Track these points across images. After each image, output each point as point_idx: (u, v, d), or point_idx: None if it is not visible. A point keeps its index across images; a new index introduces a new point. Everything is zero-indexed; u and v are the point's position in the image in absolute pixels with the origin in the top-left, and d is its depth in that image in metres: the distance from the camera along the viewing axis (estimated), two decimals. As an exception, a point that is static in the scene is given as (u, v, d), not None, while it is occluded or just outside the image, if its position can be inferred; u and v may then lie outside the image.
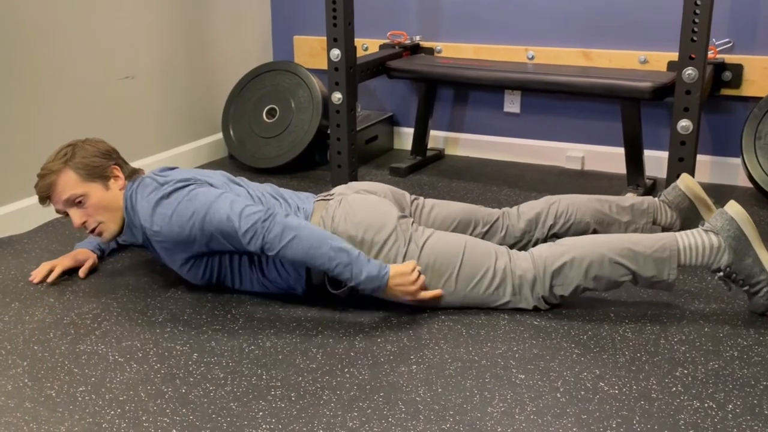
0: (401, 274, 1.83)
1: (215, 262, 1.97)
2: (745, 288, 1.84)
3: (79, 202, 1.97)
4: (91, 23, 2.71)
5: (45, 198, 1.99)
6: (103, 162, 2.01)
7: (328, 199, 2.00)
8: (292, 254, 1.79)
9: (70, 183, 1.97)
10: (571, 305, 1.93)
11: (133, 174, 2.06)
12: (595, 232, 2.11)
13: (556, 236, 2.11)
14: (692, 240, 1.83)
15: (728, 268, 1.82)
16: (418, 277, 1.84)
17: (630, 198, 2.16)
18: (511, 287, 1.87)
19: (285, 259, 1.82)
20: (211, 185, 1.95)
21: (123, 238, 2.07)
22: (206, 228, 1.85)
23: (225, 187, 1.97)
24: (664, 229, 2.15)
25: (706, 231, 1.84)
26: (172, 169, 2.07)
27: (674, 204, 2.14)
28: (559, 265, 1.84)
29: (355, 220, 1.91)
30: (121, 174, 2.03)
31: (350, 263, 1.79)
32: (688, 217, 2.14)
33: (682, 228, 2.15)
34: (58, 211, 2.02)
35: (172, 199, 1.90)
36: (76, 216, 1.98)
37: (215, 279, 2.00)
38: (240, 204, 1.84)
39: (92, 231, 2.00)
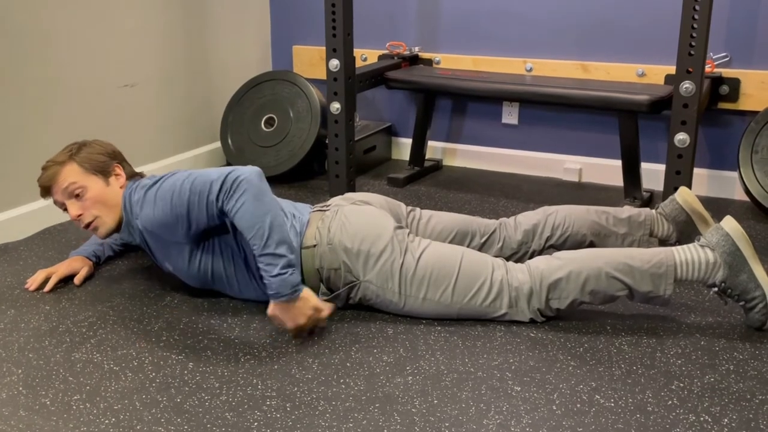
0: (308, 298, 1.79)
1: (209, 258, 1.95)
2: (741, 303, 1.85)
3: (78, 194, 1.99)
4: (92, 31, 2.72)
5: (46, 189, 2.02)
6: (106, 159, 2.05)
7: (324, 210, 2.00)
8: (244, 210, 1.76)
9: (71, 173, 2.00)
10: (567, 317, 1.93)
11: (134, 175, 2.08)
12: (591, 243, 2.12)
13: (553, 248, 2.11)
14: (688, 255, 1.84)
15: (723, 284, 1.82)
16: (312, 319, 1.81)
17: (627, 210, 2.16)
18: (507, 299, 1.87)
19: (237, 212, 1.77)
20: None
21: (121, 236, 2.08)
22: (183, 192, 1.84)
23: None
24: (661, 242, 2.16)
25: (702, 246, 1.85)
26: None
27: (671, 217, 2.14)
28: (555, 278, 1.84)
29: (351, 231, 1.90)
30: (122, 173, 2.06)
31: (285, 258, 1.76)
32: (685, 230, 2.14)
33: (679, 241, 2.16)
34: (56, 203, 2.04)
35: (160, 182, 1.93)
36: (73, 208, 2.00)
37: (210, 278, 1.98)
38: (225, 167, 1.86)
39: (87, 226, 2.02)
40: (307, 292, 1.80)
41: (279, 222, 1.79)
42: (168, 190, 1.88)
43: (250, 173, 1.80)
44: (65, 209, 2.03)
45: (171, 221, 1.88)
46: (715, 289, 1.84)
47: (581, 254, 1.88)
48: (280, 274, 1.76)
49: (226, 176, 1.80)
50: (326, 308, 1.84)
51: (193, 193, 1.83)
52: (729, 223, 1.85)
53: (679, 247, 1.87)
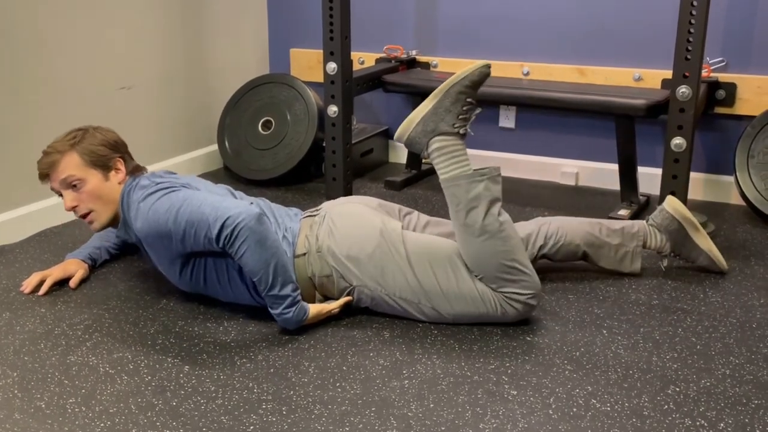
0: (317, 316, 1.89)
1: (202, 268, 1.94)
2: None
3: (75, 185, 1.98)
4: (90, 33, 2.71)
5: (45, 175, 2.01)
6: (108, 152, 2.02)
7: (314, 215, 2.00)
8: (247, 256, 1.77)
9: (71, 165, 1.98)
10: (564, 322, 1.93)
11: (136, 170, 2.06)
12: (585, 254, 2.12)
13: (546, 257, 2.12)
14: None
15: None
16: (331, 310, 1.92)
17: (620, 221, 2.16)
18: (497, 299, 1.86)
19: (240, 258, 1.79)
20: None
21: (118, 234, 2.08)
22: (179, 219, 1.82)
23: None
24: (655, 253, 2.17)
25: None
26: (173, 174, 2.06)
27: (663, 227, 2.15)
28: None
29: (338, 236, 1.90)
30: (123, 168, 2.04)
31: (290, 297, 1.82)
32: (678, 238, 2.15)
33: (673, 250, 2.16)
34: (53, 189, 2.02)
35: (155, 195, 1.91)
36: (69, 198, 1.99)
37: (203, 285, 1.98)
38: (219, 200, 1.83)
39: (82, 217, 2.01)
40: (312, 311, 1.87)
41: (282, 263, 1.81)
42: (163, 214, 1.85)
43: (248, 219, 1.76)
44: (61, 196, 2.02)
45: (165, 240, 1.88)
46: None
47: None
48: (283, 313, 1.82)
49: (225, 222, 1.76)
50: (336, 305, 1.91)
51: (190, 225, 1.81)
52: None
53: None
